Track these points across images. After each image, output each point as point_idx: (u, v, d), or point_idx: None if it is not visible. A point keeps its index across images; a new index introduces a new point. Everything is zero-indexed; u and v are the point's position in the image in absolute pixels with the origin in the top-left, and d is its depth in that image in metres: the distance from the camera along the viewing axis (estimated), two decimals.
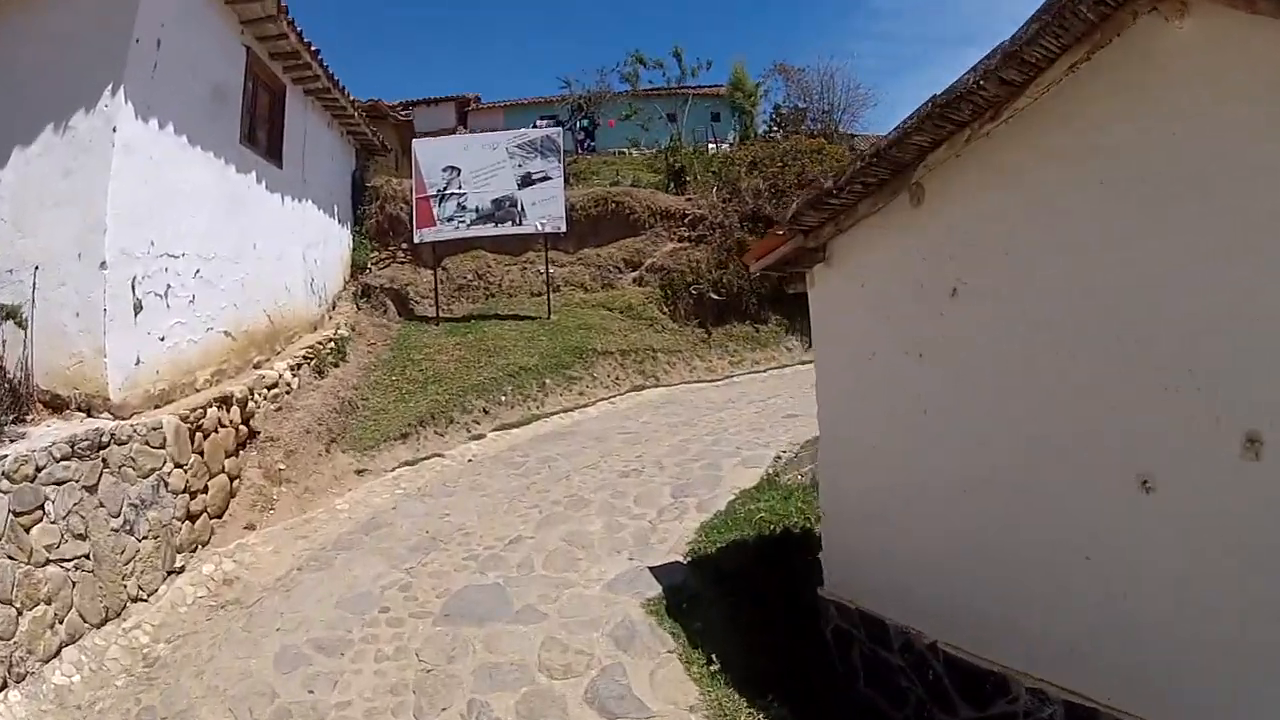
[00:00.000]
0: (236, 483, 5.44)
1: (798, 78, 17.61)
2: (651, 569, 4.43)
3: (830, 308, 3.79)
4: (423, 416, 6.89)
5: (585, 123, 16.45)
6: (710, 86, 16.61)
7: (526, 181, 10.34)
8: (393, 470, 6.32)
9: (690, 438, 6.87)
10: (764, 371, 10.68)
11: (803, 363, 11.39)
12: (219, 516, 5.14)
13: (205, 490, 4.99)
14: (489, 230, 10.48)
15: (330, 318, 9.21)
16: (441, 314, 10.34)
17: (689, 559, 4.56)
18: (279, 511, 5.44)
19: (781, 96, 17.86)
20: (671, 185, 12.58)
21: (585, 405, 8.17)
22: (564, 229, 10.42)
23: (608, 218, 11.31)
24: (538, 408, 7.80)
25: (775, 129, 16.43)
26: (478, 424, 7.20)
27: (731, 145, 14.68)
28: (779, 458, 6.05)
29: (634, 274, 10.98)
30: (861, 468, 3.52)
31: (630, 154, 15.26)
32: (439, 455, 6.70)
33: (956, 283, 2.88)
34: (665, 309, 10.61)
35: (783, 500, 5.17)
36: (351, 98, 9.69)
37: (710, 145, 14.16)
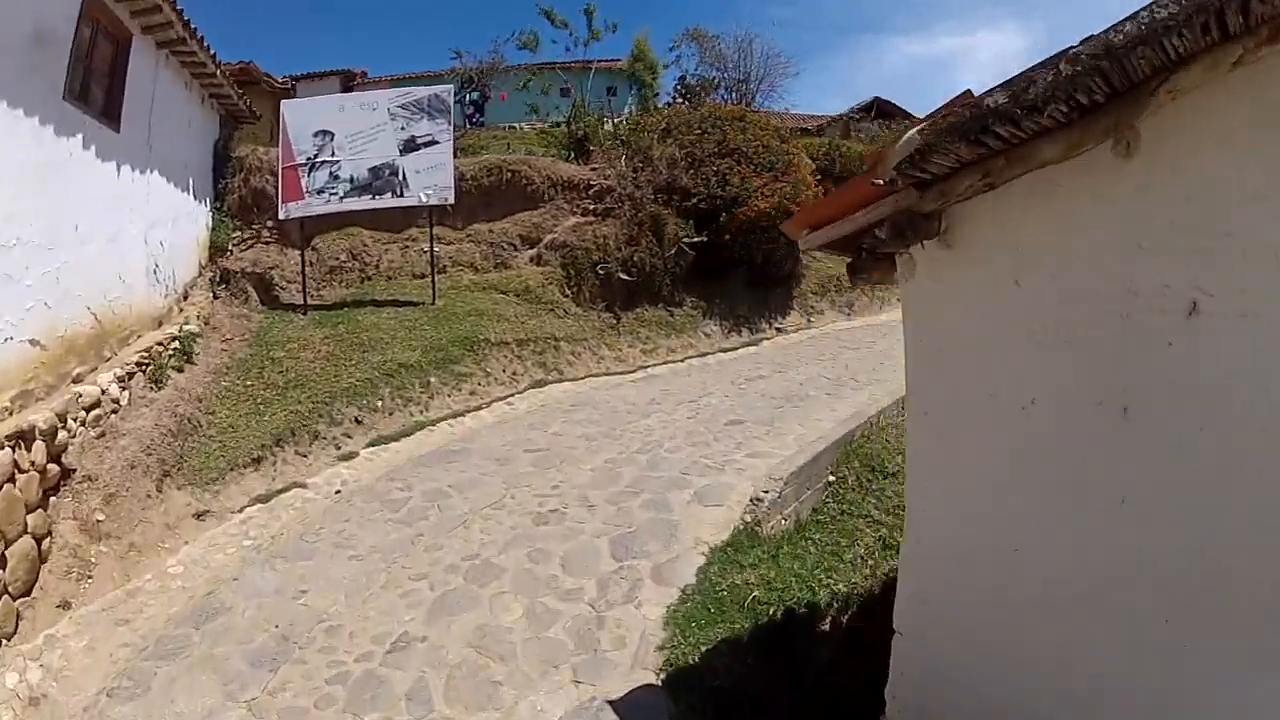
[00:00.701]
0: (46, 544, 4.65)
1: (712, 44, 17.87)
2: (613, 703, 3.48)
3: (944, 316, 2.77)
4: (281, 432, 6.38)
5: (475, 96, 16.15)
6: (610, 60, 16.58)
7: (410, 147, 9.90)
8: (241, 511, 5.67)
9: (617, 457, 6.56)
10: (681, 361, 10.98)
11: (724, 349, 11.84)
12: (26, 594, 4.36)
13: (3, 563, 4.23)
14: (365, 203, 10.03)
15: (180, 310, 8.50)
16: (310, 301, 9.86)
17: (664, 675, 3.65)
18: (99, 579, 4.68)
19: (694, 64, 18.15)
20: (573, 155, 12.51)
21: (478, 408, 7.98)
22: (452, 201, 10.07)
23: (502, 189, 11.10)
24: (422, 413, 7.53)
25: (680, 102, 16.64)
26: (349, 438, 6.81)
27: (625, 120, 14.85)
28: (757, 500, 5.38)
29: (531, 252, 10.88)
30: (989, 576, 2.60)
31: (521, 128, 15.16)
32: (299, 485, 6.13)
33: (1196, 293, 1.94)
34: (568, 291, 10.62)
35: (771, 562, 4.62)
36: (215, 55, 9.09)
37: (605, 121, 14.26)
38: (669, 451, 6.67)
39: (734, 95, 16.53)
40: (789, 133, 14.81)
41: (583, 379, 9.52)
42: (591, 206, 11.38)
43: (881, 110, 22.50)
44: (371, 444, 6.88)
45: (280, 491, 5.96)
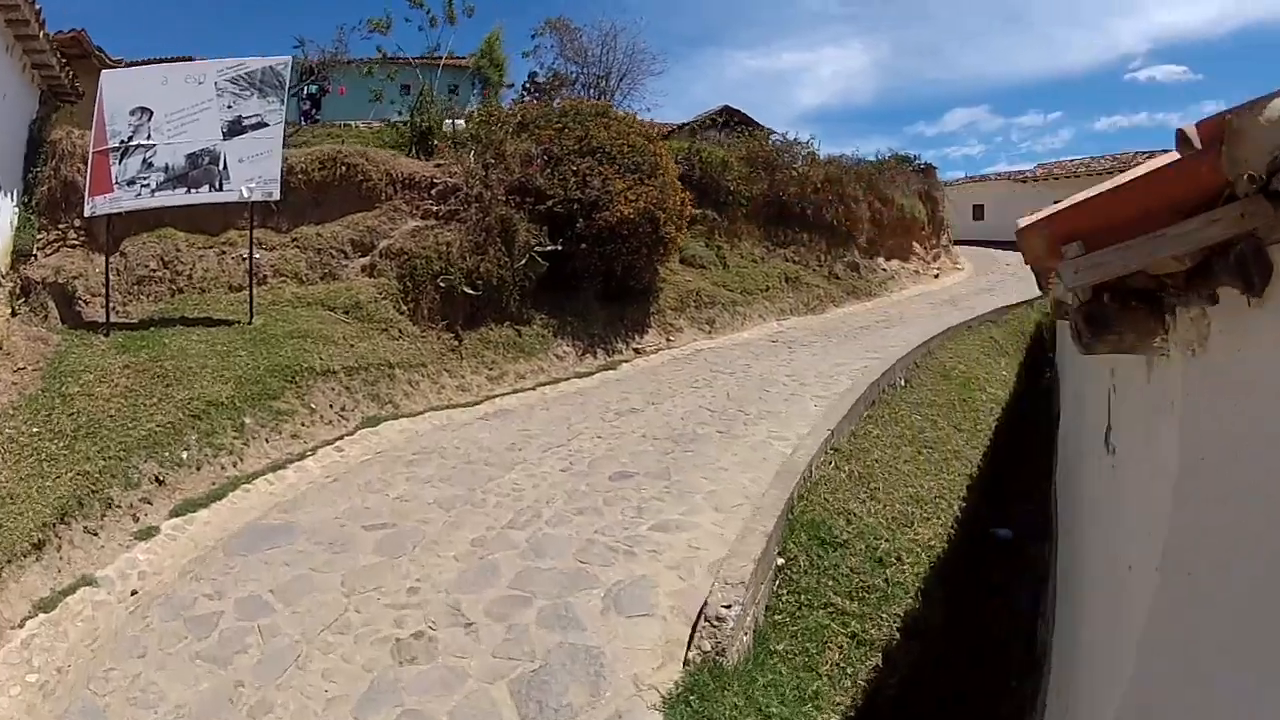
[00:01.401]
0: None
1: (574, 37, 18.20)
2: None
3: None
4: (67, 503, 5.52)
5: (314, 89, 15.43)
6: (457, 57, 16.49)
7: (235, 129, 9.19)
8: (22, 625, 4.68)
9: (487, 536, 5.97)
10: (533, 389, 11.07)
11: (579, 374, 12.09)
12: None
13: None
14: (180, 198, 9.26)
15: None
16: (115, 319, 8.98)
17: None
18: None
19: (553, 58, 18.44)
20: (416, 150, 12.25)
21: (302, 456, 7.47)
22: (277, 196, 9.40)
23: (335, 185, 10.58)
24: (235, 466, 6.92)
25: (529, 100, 16.85)
26: (148, 504, 6.11)
27: (466, 122, 14.85)
28: (717, 620, 4.50)
29: (364, 260, 10.44)
30: None
31: (358, 126, 14.82)
32: (88, 583, 5.25)
33: None
34: (404, 307, 10.34)
35: (752, 713, 4.02)
36: (41, 13, 8.11)
37: (446, 121, 14.18)
38: (551, 524, 6.20)
39: (592, 93, 16.89)
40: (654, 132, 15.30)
41: (422, 414, 9.35)
42: (434, 208, 11.15)
43: (731, 119, 23.88)
44: (175, 512, 6.20)
45: (66, 592, 5.12)
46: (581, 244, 12.70)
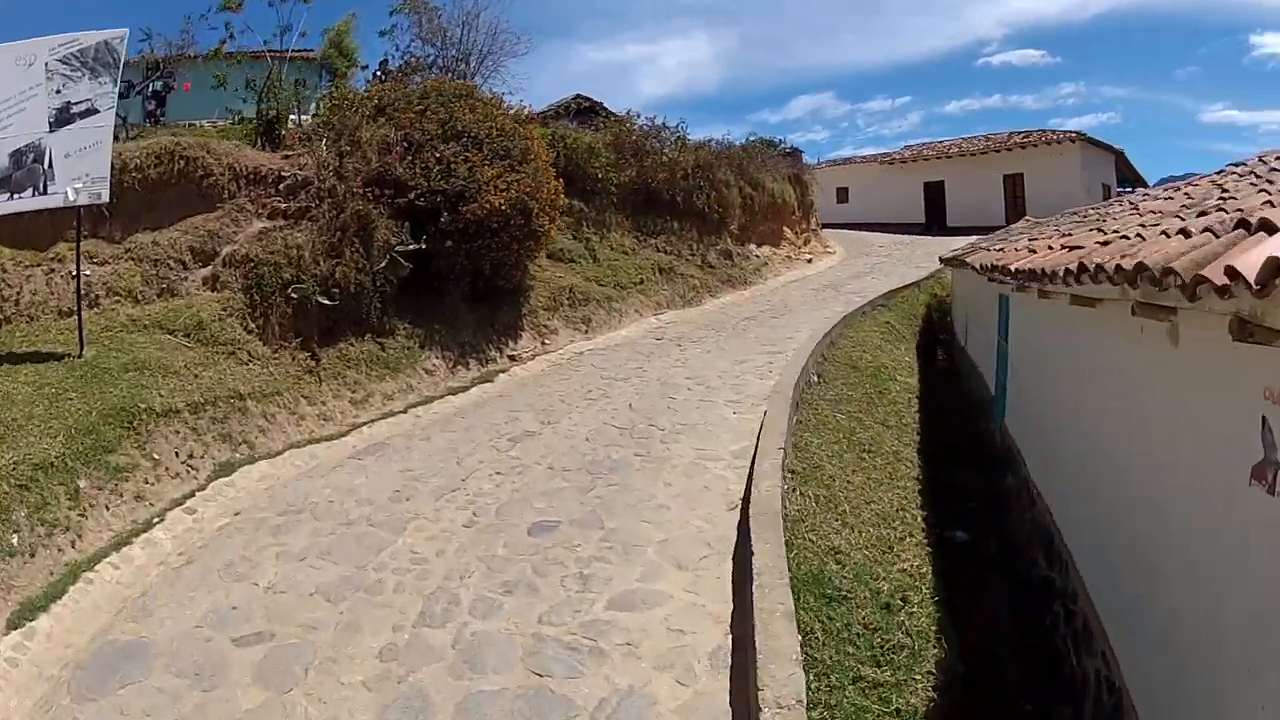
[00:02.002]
0: None
1: (432, 16, 17.74)
2: None
3: None
4: None
5: (159, 86, 14.19)
6: (304, 51, 15.62)
7: (63, 118, 8.17)
8: None
9: (396, 641, 5.01)
10: (404, 411, 10.47)
11: (453, 390, 11.58)
12: None
13: None
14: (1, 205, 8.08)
15: None
16: None
17: None
18: None
19: (409, 40, 17.94)
20: (263, 141, 11.36)
21: (149, 524, 6.51)
22: (106, 198, 8.29)
23: (173, 183, 9.47)
24: (74, 545, 5.83)
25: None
26: None
27: (313, 116, 14.13)
28: None
29: (206, 271, 9.42)
30: None
31: (203, 125, 13.85)
32: None
33: None
34: (253, 324, 9.43)
35: None
36: None
37: (291, 118, 13.37)
38: (479, 614, 5.29)
39: (450, 77, 16.46)
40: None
41: (282, 454, 8.57)
42: (283, 205, 10.27)
43: (582, 108, 23.99)
44: (12, 623, 5.09)
45: None
46: (447, 241, 12.18)
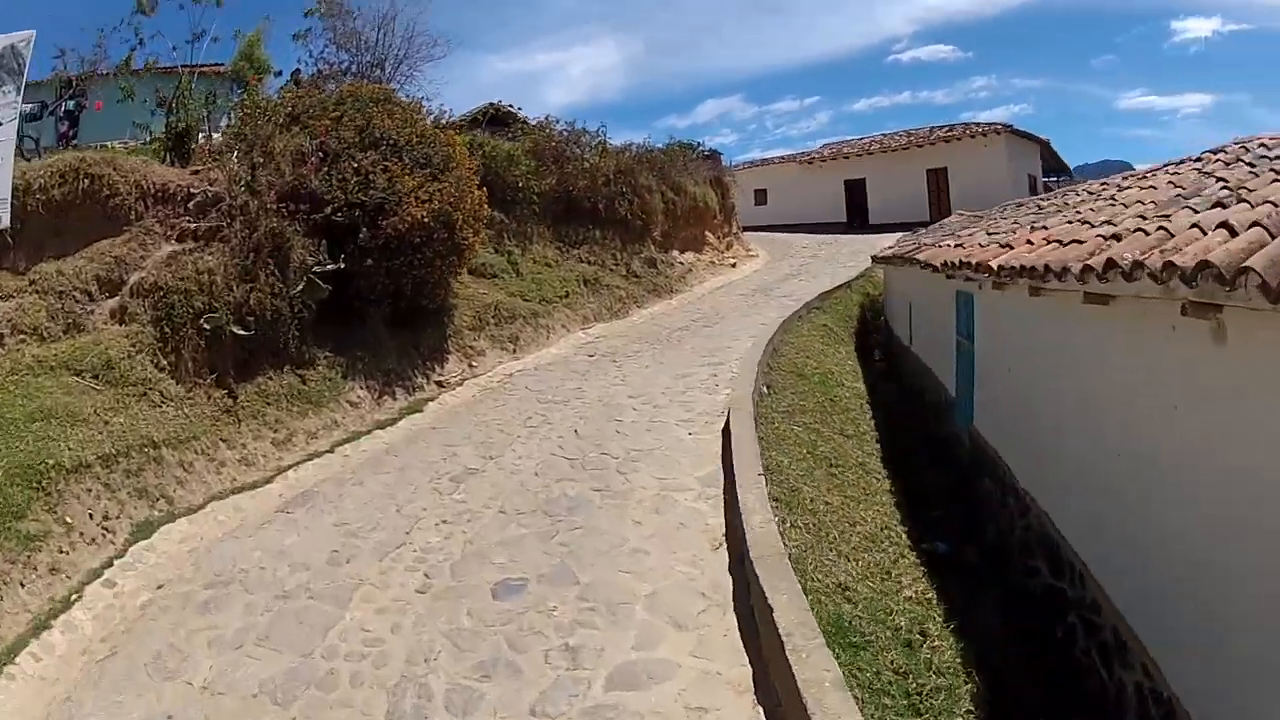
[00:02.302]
0: None
1: (346, 20, 17.37)
2: None
3: None
4: None
5: (71, 105, 13.31)
6: (215, 65, 15.00)
7: None
8: None
9: None
10: (331, 450, 10.02)
11: (380, 424, 11.20)
12: None
13: None
14: None
15: None
16: None
17: None
18: None
19: (324, 44, 17.58)
20: (172, 156, 10.76)
21: (68, 601, 6.00)
22: (6, 222, 7.69)
23: (78, 204, 8.77)
24: None
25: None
26: None
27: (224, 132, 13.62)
28: None
29: (113, 302, 8.75)
30: None
31: (114, 146, 12.88)
32: None
33: None
34: (165, 360, 8.83)
35: None
36: None
37: (202, 134, 12.82)
38: (456, 711, 4.74)
39: (366, 84, 16.11)
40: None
41: (204, 508, 8.04)
42: (193, 225, 9.66)
43: (496, 117, 23.82)
44: None
45: None
46: (367, 259, 11.77)
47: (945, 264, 10.21)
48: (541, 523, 7.46)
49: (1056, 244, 6.94)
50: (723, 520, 7.08)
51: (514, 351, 15.58)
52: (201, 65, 13.53)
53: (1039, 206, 12.21)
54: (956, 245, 11.35)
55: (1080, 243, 6.11)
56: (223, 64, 14.23)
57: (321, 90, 13.65)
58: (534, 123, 21.84)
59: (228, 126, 12.17)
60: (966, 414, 10.84)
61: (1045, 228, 8.31)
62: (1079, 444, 6.68)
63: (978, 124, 33.94)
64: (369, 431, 10.92)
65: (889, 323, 20.96)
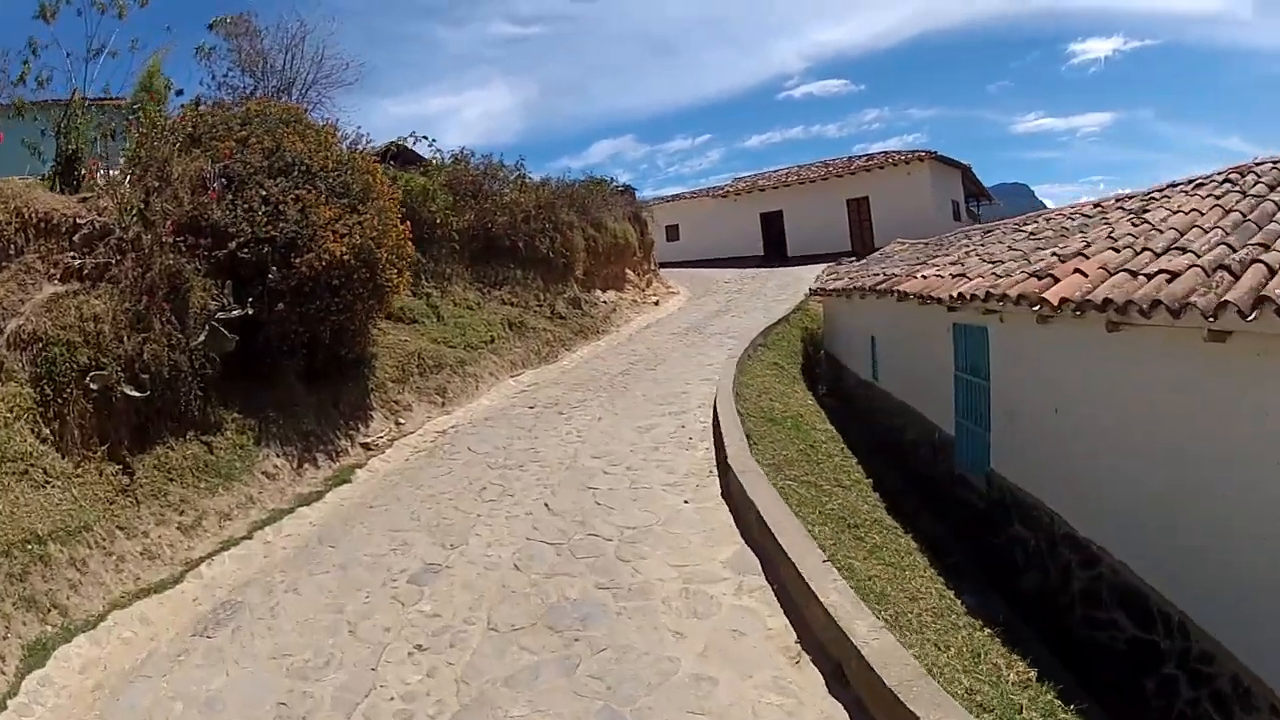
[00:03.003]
0: None
1: (253, 40, 16.35)
2: None
3: None
4: None
5: None
6: (113, 98, 13.63)
7: None
8: None
9: None
10: (249, 536, 8.59)
11: (305, 500, 9.84)
12: None
13: None
14: None
15: None
16: None
17: None
18: None
19: (227, 67, 16.52)
20: (60, 183, 9.33)
21: None
22: None
23: None
24: None
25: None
26: None
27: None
28: None
29: None
30: None
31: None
32: None
33: None
34: (47, 428, 7.24)
35: None
36: None
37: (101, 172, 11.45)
38: None
39: None
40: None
41: (105, 619, 6.49)
42: (78, 262, 8.19)
43: (399, 155, 23.01)
44: None
45: None
46: (278, 303, 10.45)
47: (959, 296, 9.61)
48: (550, 643, 5.82)
49: (1126, 274, 6.59)
50: (784, 620, 5.79)
51: (443, 405, 14.33)
52: (101, 98, 12.13)
53: (1028, 233, 11.91)
54: (955, 275, 10.81)
55: (1172, 274, 5.68)
56: (121, 97, 12.85)
57: (227, 108, 12.31)
58: (447, 157, 20.68)
59: (124, 152, 10.78)
60: (977, 455, 10.35)
61: (1084, 255, 7.92)
62: (1165, 487, 6.35)
63: (900, 152, 34.41)
64: (291, 509, 9.52)
65: (836, 357, 20.59)
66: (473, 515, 8.89)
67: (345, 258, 10.83)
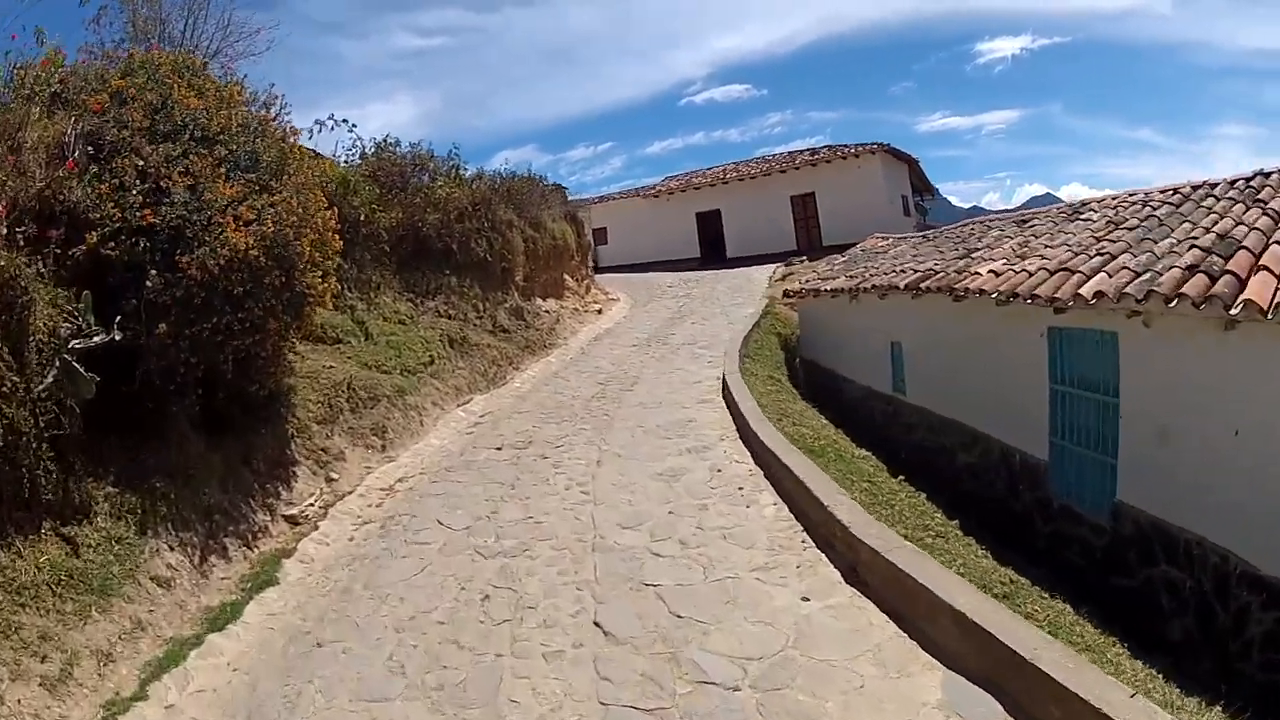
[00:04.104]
0: None
1: (149, 5, 13.94)
2: None
3: None
4: None
5: None
6: None
7: None
8: None
9: None
10: (143, 697, 5.36)
11: (212, 620, 6.59)
12: None
13: None
14: None
15: None
16: None
17: None
18: None
19: (120, 35, 13.44)
20: None
21: None
22: None
23: None
24: None
25: None
26: None
27: None
28: None
29: None
30: None
31: None
32: None
33: None
34: None
35: None
36: None
37: None
38: None
39: None
40: None
41: None
42: None
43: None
44: None
45: None
46: (159, 321, 7.27)
47: (1099, 295, 7.96)
48: None
49: None
50: None
51: (383, 449, 11.22)
52: None
53: (1106, 222, 10.23)
54: (1057, 270, 9.18)
55: None
56: None
57: (108, 58, 9.14)
58: (369, 146, 17.43)
59: None
60: (1092, 484, 8.88)
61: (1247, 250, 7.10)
62: None
63: (849, 145, 32.17)
64: (198, 638, 6.34)
65: (824, 366, 18.30)
66: (488, 658, 5.67)
67: (252, 254, 7.68)
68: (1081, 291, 8.08)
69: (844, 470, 8.92)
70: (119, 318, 7.00)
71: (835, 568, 6.28)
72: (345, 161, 16.17)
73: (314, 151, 12.58)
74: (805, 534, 7.05)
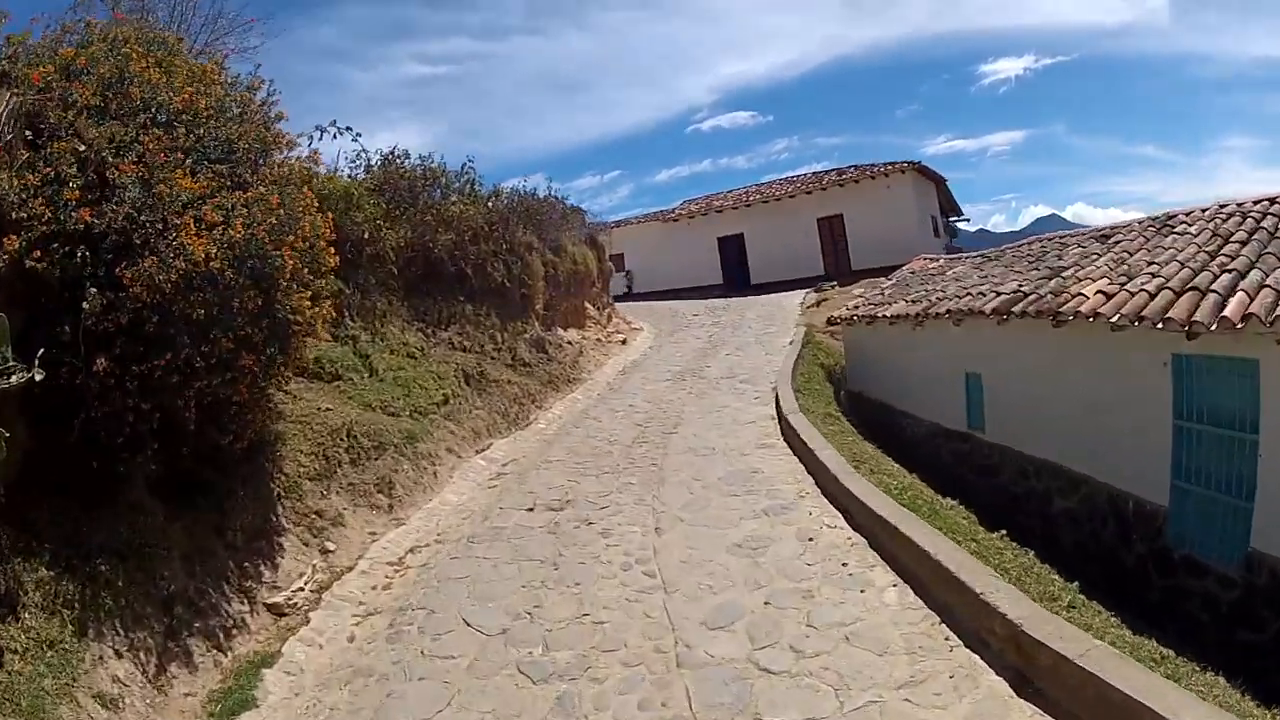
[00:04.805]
0: None
1: None
2: None
3: None
4: None
5: None
6: None
7: None
8: None
9: None
10: None
11: None
12: None
13: None
14: None
15: None
16: None
17: None
18: None
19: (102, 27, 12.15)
20: None
21: None
22: None
23: None
24: None
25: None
26: None
27: None
28: None
29: None
30: None
31: None
32: None
33: None
34: None
35: None
36: None
37: None
38: None
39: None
40: None
41: None
42: None
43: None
44: None
45: None
46: (101, 355, 5.46)
47: (1249, 317, 7.15)
48: None
49: None
50: None
51: (390, 509, 9.34)
52: None
53: (1210, 232, 9.74)
54: (1183, 290, 8.39)
55: None
56: None
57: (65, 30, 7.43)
58: (375, 159, 15.67)
59: None
60: (1221, 531, 8.13)
61: None
62: None
63: (880, 164, 30.58)
64: None
65: (879, 400, 16.58)
66: None
67: (215, 266, 5.85)
68: (1226, 313, 7.24)
69: (941, 527, 7.12)
70: (46, 350, 5.20)
71: (999, 676, 4.80)
72: (349, 175, 14.46)
73: (308, 168, 10.86)
74: (946, 628, 5.46)
